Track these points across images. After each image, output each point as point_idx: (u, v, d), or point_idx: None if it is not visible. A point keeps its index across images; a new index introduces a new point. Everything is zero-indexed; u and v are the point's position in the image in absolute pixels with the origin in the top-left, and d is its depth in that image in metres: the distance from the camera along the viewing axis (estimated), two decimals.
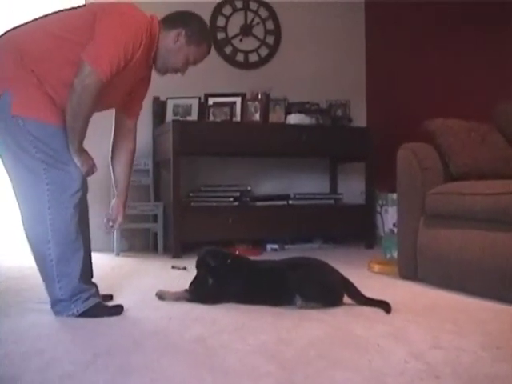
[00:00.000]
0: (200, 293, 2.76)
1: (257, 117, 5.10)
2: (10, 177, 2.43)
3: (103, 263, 4.12)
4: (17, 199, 2.43)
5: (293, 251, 4.79)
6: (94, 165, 2.51)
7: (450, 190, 3.15)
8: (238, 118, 5.09)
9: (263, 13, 5.64)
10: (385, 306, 2.53)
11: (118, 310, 2.50)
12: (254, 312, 2.54)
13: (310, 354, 1.91)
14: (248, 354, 1.91)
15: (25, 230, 2.44)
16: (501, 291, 2.74)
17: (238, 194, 4.94)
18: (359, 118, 5.79)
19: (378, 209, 5.32)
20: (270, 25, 5.66)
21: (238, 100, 5.16)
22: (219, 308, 2.63)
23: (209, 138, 4.67)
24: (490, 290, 2.81)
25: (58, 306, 2.44)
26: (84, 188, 2.49)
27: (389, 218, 5.13)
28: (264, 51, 5.66)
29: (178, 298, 2.78)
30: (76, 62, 2.30)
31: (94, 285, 2.58)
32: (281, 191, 5.34)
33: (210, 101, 5.12)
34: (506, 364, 1.78)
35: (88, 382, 1.63)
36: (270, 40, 5.67)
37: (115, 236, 4.76)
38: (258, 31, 5.64)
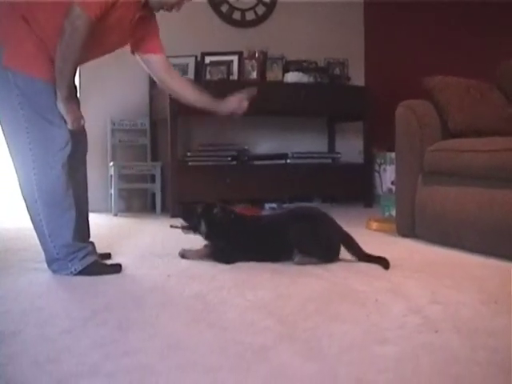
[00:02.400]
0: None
1: (254, 75, 5.06)
2: (4, 137, 2.41)
3: (101, 223, 4.12)
4: (11, 159, 2.42)
5: None
6: (81, 116, 2.45)
7: (448, 147, 3.13)
8: (235, 77, 5.03)
9: None
10: (383, 263, 2.54)
11: (117, 268, 2.50)
12: (252, 269, 2.55)
13: (309, 308, 1.92)
14: (247, 309, 1.92)
15: (19, 189, 2.44)
16: (498, 248, 2.75)
17: (235, 153, 4.93)
18: (357, 77, 5.73)
19: (377, 168, 5.32)
20: None
21: (235, 58, 5.10)
22: (217, 265, 2.63)
23: None
24: (488, 247, 2.81)
25: (54, 264, 2.43)
26: (70, 147, 2.39)
27: (387, 176, 5.14)
28: (261, 9, 5.57)
29: (201, 255, 2.76)
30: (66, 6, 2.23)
31: (91, 243, 2.58)
32: (278, 150, 5.32)
33: (207, 59, 5.06)
34: (504, 318, 1.78)
35: (87, 337, 1.63)
36: None
37: (113, 196, 4.76)
38: None
